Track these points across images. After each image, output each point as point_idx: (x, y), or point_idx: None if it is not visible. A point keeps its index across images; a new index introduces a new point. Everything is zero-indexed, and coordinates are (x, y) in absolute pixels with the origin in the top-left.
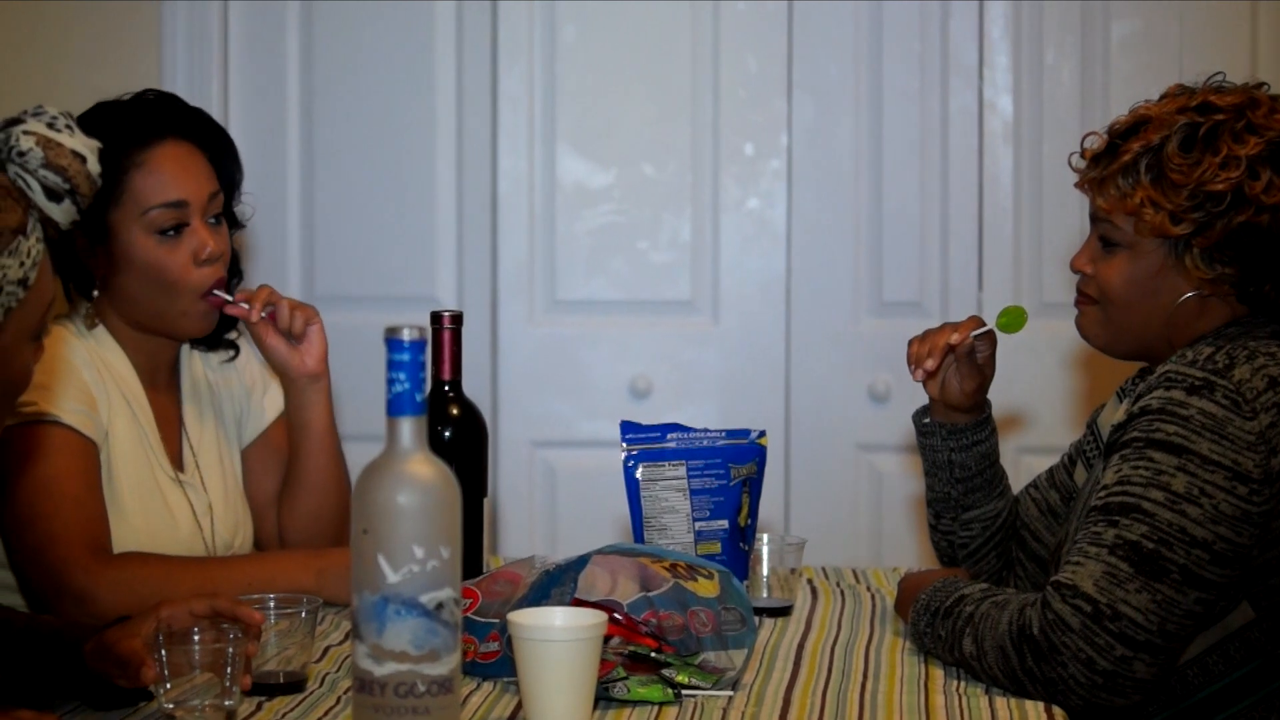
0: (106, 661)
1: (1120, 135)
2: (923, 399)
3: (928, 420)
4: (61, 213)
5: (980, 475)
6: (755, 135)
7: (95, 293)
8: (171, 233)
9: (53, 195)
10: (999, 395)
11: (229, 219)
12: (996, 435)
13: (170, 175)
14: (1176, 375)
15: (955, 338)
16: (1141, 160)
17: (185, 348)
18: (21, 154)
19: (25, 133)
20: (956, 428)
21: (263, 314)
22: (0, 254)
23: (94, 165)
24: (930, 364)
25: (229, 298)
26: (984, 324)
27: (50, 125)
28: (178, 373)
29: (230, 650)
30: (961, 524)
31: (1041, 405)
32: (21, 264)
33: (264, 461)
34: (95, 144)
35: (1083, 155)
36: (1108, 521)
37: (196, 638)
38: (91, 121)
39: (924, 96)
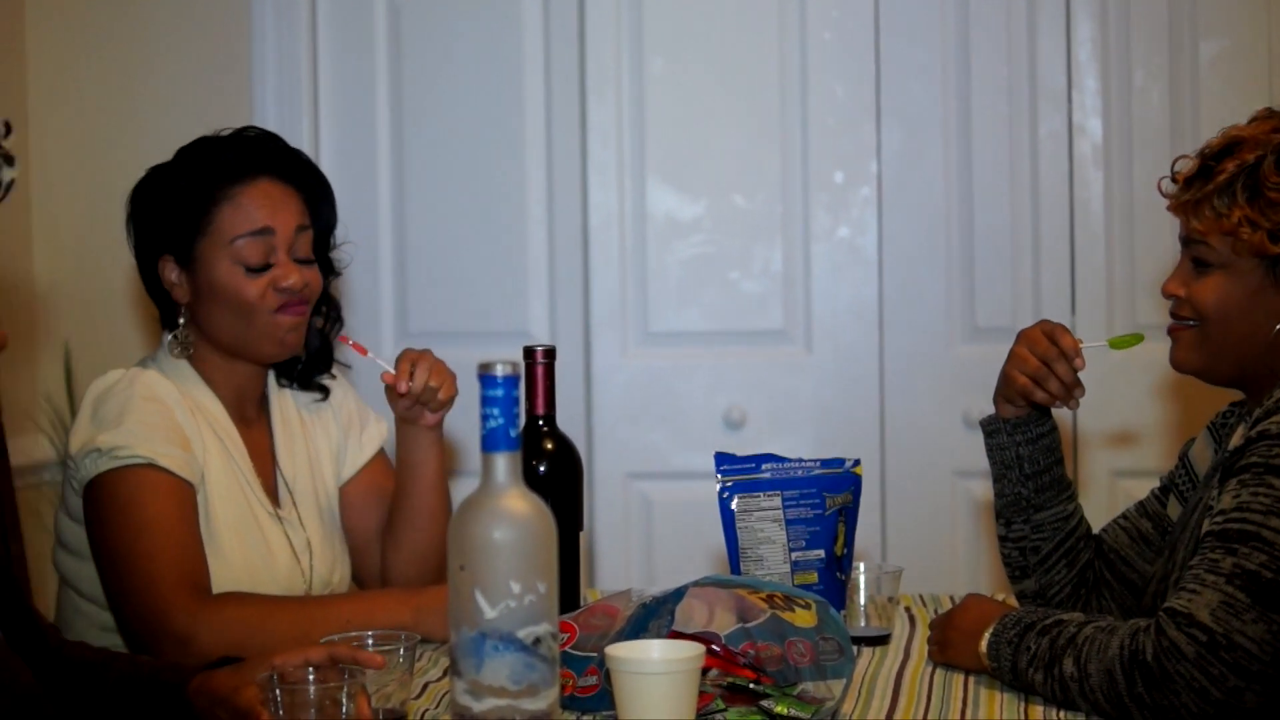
0: (217, 707)
1: (1214, 156)
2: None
3: (991, 418)
4: None
5: (1048, 472)
6: (845, 163)
7: (181, 321)
8: (258, 271)
9: None
10: (1095, 418)
11: (324, 264)
12: (1058, 433)
13: (258, 207)
14: None
15: (1079, 362)
16: (1238, 180)
17: (273, 383)
18: None
19: None
20: (1020, 421)
21: (409, 384)
22: None
23: None
24: (1080, 391)
25: (376, 358)
26: (1071, 334)
27: None
28: (267, 407)
29: (345, 690)
30: (1034, 526)
31: (1138, 429)
32: None
33: (365, 498)
34: None
35: (1174, 179)
36: (1225, 549)
37: (312, 678)
38: (190, 154)
39: (1013, 121)
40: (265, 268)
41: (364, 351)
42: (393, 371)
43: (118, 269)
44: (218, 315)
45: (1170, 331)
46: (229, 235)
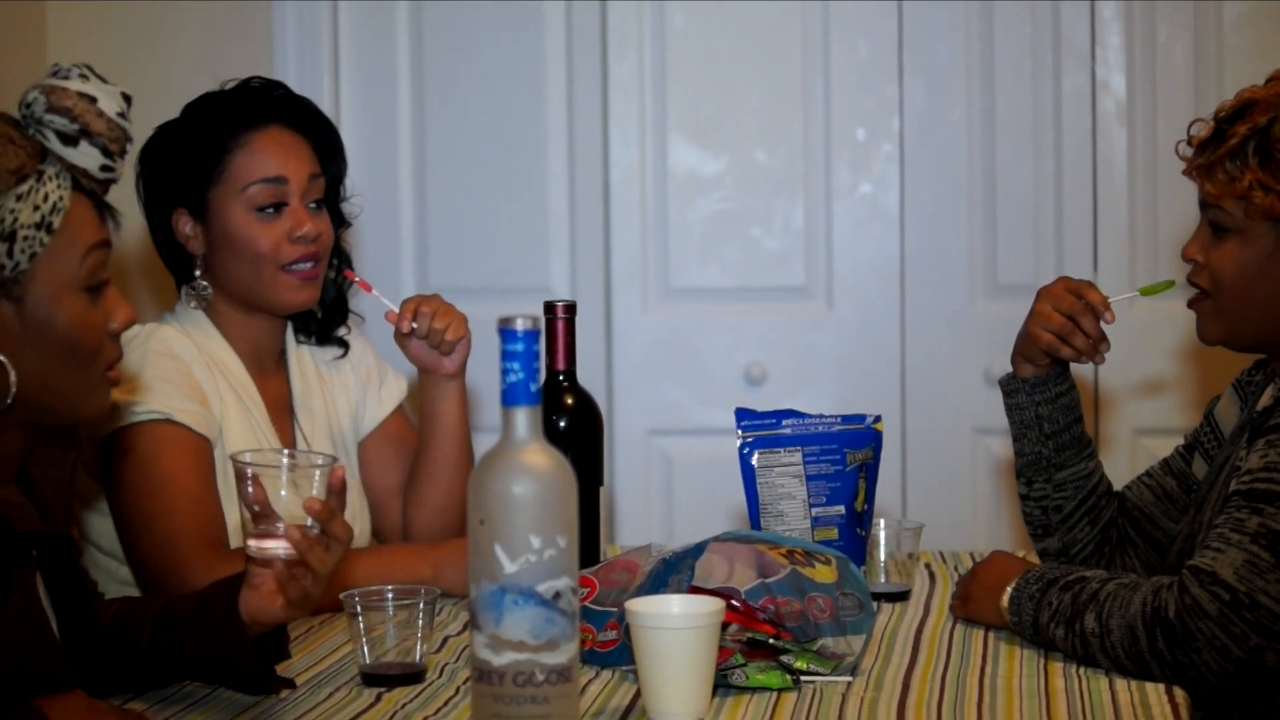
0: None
1: (1226, 120)
2: None
3: (1009, 377)
4: (83, 157)
5: (1068, 430)
6: (867, 120)
7: (198, 273)
8: (270, 210)
9: (66, 139)
10: (1117, 376)
11: (335, 214)
12: (1077, 391)
13: (270, 154)
14: None
15: (1109, 316)
16: (1249, 143)
17: (291, 339)
18: (29, 105)
19: (34, 87)
20: (1039, 380)
21: (413, 324)
22: (5, 196)
23: (110, 105)
24: (1106, 346)
25: (381, 295)
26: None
27: (56, 74)
28: (285, 361)
29: (316, 474)
30: (1055, 485)
31: (1160, 387)
32: (36, 208)
33: (384, 453)
34: (114, 89)
35: (1189, 142)
36: (1251, 508)
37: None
38: (197, 107)
39: (1036, 78)
40: (279, 211)
41: (368, 287)
42: (396, 311)
43: (129, 233)
44: (232, 266)
45: (1190, 305)
46: (243, 181)
